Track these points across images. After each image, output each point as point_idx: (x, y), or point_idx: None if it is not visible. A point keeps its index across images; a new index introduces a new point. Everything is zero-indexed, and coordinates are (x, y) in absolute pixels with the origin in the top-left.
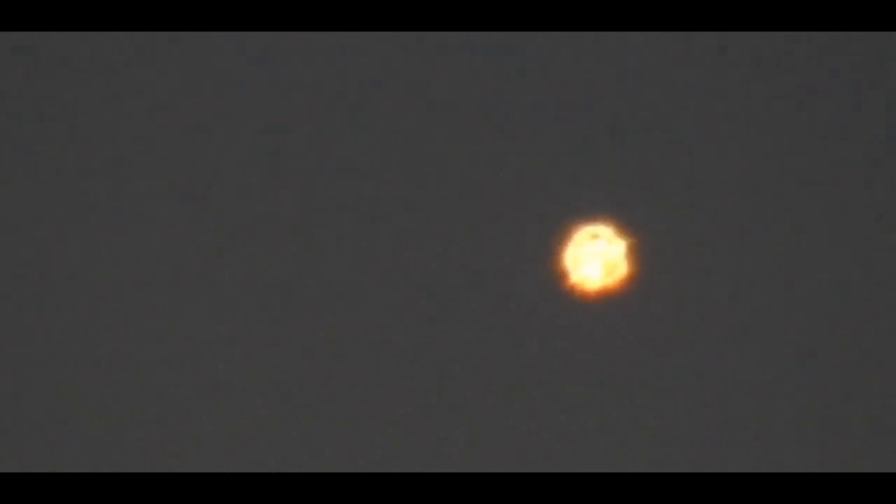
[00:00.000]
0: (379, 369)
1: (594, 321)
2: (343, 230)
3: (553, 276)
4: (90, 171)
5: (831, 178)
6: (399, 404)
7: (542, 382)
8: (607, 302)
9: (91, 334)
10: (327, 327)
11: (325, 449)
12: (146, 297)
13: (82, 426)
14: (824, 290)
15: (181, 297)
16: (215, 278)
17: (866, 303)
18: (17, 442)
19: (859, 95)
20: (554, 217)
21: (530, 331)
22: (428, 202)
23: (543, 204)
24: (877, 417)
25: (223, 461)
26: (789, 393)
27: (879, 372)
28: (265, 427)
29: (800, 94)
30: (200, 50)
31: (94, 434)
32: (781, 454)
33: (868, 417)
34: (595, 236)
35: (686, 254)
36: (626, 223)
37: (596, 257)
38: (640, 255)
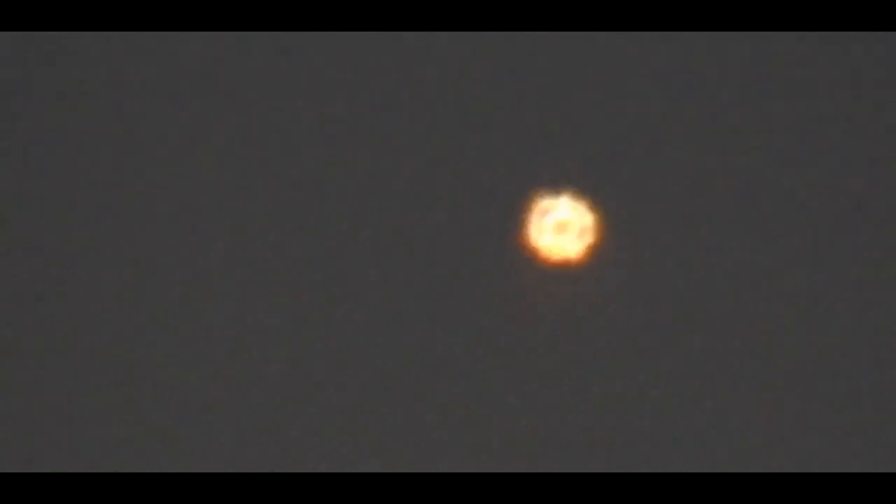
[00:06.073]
0: (345, 354)
1: (561, 290)
2: (308, 214)
3: (519, 247)
4: (89, 170)
5: (802, 157)
6: (364, 389)
7: (511, 354)
8: (574, 271)
9: (89, 333)
10: (293, 307)
11: (296, 444)
12: (144, 297)
13: (82, 426)
14: (796, 267)
15: (177, 295)
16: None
17: (837, 286)
18: (17, 442)
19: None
20: (518, 188)
21: (497, 302)
22: (388, 180)
23: (507, 174)
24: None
25: (223, 461)
26: (758, 370)
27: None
28: (246, 428)
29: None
30: (200, 50)
31: (93, 434)
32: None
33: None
34: (559, 207)
35: (654, 222)
36: (592, 193)
37: (561, 226)
38: (607, 224)
